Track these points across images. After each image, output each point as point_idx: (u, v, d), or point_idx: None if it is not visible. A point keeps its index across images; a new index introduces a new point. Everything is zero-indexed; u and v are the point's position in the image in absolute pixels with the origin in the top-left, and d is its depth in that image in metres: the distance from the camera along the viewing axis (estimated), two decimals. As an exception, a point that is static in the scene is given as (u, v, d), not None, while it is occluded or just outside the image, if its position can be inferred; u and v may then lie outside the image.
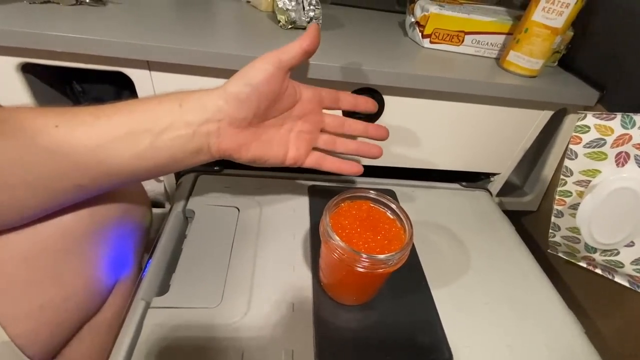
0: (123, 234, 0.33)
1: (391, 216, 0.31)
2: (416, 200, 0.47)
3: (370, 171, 0.50)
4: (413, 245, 0.39)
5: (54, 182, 0.24)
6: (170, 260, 0.36)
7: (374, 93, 0.42)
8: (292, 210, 0.42)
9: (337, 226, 0.29)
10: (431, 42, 0.46)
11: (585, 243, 0.39)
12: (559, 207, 0.40)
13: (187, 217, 0.41)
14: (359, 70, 0.38)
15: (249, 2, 0.53)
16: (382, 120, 0.44)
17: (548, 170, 0.54)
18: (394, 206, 0.31)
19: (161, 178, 0.51)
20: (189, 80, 0.39)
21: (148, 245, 0.38)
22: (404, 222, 0.30)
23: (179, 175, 0.49)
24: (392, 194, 0.47)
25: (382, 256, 0.26)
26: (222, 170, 0.47)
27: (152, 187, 0.52)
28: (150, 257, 0.35)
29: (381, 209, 0.31)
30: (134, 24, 0.39)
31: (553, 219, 0.41)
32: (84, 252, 0.29)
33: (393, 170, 0.51)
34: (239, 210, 0.40)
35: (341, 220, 0.30)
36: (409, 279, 0.36)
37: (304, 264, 0.36)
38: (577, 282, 0.49)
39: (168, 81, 0.39)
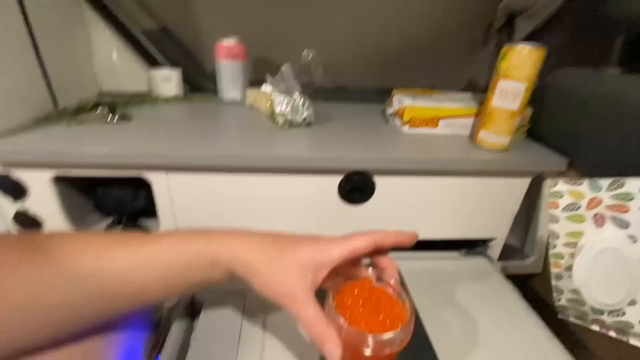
0: (133, 330, 0.34)
1: (393, 294, 0.32)
2: (418, 272, 0.48)
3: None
4: (421, 322, 0.39)
5: (77, 309, 0.24)
6: (179, 356, 0.35)
7: (365, 176, 0.46)
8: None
9: (340, 306, 0.30)
10: (410, 128, 0.52)
11: (591, 305, 0.39)
12: (556, 270, 0.41)
13: (194, 308, 0.42)
14: (350, 157, 0.43)
15: (252, 107, 0.61)
16: (375, 199, 0.48)
17: (542, 232, 0.56)
18: (394, 282, 0.32)
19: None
20: (200, 179, 0.44)
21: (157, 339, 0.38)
22: (405, 299, 0.31)
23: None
24: (394, 268, 0.48)
25: (385, 336, 0.27)
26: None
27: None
28: (158, 354, 0.35)
29: (382, 287, 0.33)
30: (154, 136, 0.46)
31: (554, 282, 0.42)
32: (96, 349, 0.29)
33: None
34: (245, 296, 0.41)
35: (344, 300, 0.31)
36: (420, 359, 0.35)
37: (312, 349, 0.36)
38: (602, 347, 0.47)
39: (182, 181, 0.44)
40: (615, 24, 0.42)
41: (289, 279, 0.27)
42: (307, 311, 0.26)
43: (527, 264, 0.59)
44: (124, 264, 0.25)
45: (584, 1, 0.48)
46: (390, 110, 0.56)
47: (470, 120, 0.52)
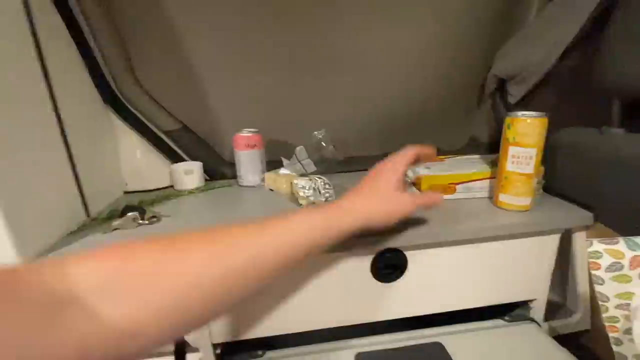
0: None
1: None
2: (467, 347, 0.46)
3: (412, 323, 0.50)
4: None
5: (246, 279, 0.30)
6: None
7: (397, 252, 0.46)
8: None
9: None
10: None
11: (662, 371, 0.36)
12: (614, 335, 0.39)
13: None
14: (381, 237, 0.44)
15: (271, 190, 0.64)
16: (409, 274, 0.48)
17: (583, 287, 0.54)
18: None
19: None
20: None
21: None
22: None
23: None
24: (440, 347, 0.46)
25: None
26: (265, 353, 0.47)
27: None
28: None
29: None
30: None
31: (614, 347, 0.39)
32: None
33: (433, 318, 0.51)
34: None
35: None
36: None
37: None
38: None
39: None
40: (607, 88, 0.46)
41: (391, 210, 0.39)
42: (412, 202, 0.41)
43: (574, 322, 0.56)
44: (272, 238, 0.32)
45: (573, 67, 0.53)
46: (407, 180, 0.58)
47: (485, 183, 0.54)
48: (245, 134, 0.64)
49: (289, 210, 0.35)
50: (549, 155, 0.48)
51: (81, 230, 0.50)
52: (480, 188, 0.55)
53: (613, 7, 0.45)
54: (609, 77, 0.44)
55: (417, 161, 0.43)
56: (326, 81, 0.70)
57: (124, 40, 0.60)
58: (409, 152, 0.42)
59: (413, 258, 0.47)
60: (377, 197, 0.39)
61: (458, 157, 0.62)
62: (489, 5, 0.63)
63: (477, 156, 0.61)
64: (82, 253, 0.25)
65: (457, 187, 0.54)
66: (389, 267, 0.47)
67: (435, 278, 0.49)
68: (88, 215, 0.54)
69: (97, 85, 0.61)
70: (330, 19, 0.63)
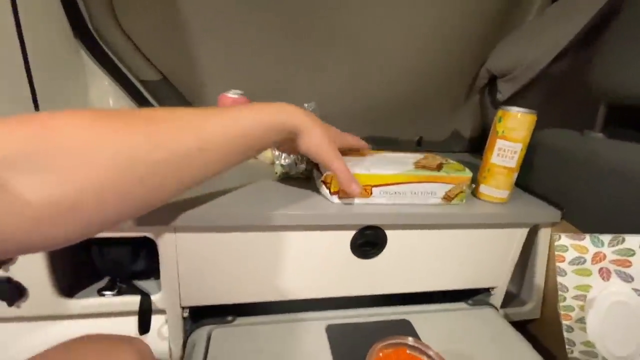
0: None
1: (429, 361, 0.32)
2: (432, 326, 0.48)
3: (379, 300, 0.52)
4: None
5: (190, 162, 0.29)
6: None
7: (378, 230, 0.47)
8: (315, 357, 0.41)
9: None
10: (339, 198, 0.44)
11: (603, 357, 0.40)
12: (567, 322, 0.42)
13: None
14: (365, 214, 0.44)
15: (256, 158, 0.61)
16: (386, 252, 0.48)
17: (539, 279, 0.58)
18: (431, 353, 0.31)
19: (166, 335, 0.48)
20: (208, 237, 0.42)
21: None
22: None
23: (187, 330, 0.47)
24: (408, 324, 0.48)
25: None
26: (235, 319, 0.46)
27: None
28: None
29: (418, 355, 0.32)
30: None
31: (565, 334, 0.43)
32: None
33: (401, 297, 0.52)
34: None
35: None
36: None
37: None
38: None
39: (189, 241, 0.42)
40: (595, 92, 0.48)
41: (328, 141, 0.39)
42: (339, 162, 0.39)
43: (526, 310, 0.60)
44: (220, 128, 0.31)
45: (564, 70, 0.55)
46: (317, 178, 0.48)
47: (414, 188, 0.45)
48: (232, 95, 0.60)
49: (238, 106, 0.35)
50: (528, 152, 0.50)
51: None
52: (402, 194, 0.45)
53: (611, 14, 0.46)
54: (599, 81, 0.46)
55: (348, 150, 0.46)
56: (320, 54, 0.67)
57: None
58: (353, 139, 0.45)
59: (392, 237, 0.47)
60: (324, 132, 0.39)
61: (397, 152, 0.52)
62: (491, 1, 0.63)
63: (420, 154, 0.52)
64: None
65: (374, 190, 0.44)
66: (369, 244, 0.47)
67: (411, 258, 0.50)
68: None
69: (67, 13, 0.54)
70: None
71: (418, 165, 0.47)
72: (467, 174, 0.47)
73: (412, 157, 0.50)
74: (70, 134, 0.23)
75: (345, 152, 0.46)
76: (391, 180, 0.44)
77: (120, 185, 0.25)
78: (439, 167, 0.47)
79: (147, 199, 0.28)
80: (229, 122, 0.32)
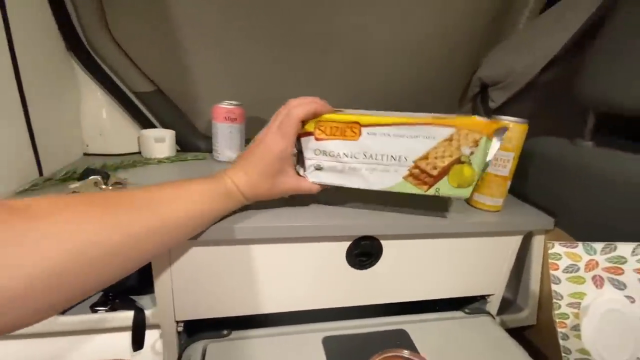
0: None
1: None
2: (429, 336, 0.48)
3: (376, 310, 0.51)
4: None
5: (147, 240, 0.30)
6: None
7: (374, 240, 0.47)
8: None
9: None
10: (317, 141, 0.40)
11: (600, 365, 0.40)
12: (562, 330, 0.43)
13: None
14: (360, 225, 0.44)
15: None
16: (382, 262, 0.48)
17: (534, 286, 0.58)
18: None
19: (160, 350, 0.48)
20: (202, 250, 0.42)
21: None
22: None
23: (181, 344, 0.46)
24: (404, 334, 0.47)
25: None
26: (231, 333, 0.46)
27: (150, 362, 0.47)
28: None
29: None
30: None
31: (561, 342, 0.43)
32: None
33: (397, 306, 0.52)
34: None
35: None
36: None
37: None
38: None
39: (183, 253, 0.41)
40: (582, 101, 0.48)
41: (269, 187, 0.39)
42: (301, 183, 0.41)
43: (523, 317, 0.60)
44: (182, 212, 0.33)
45: (553, 79, 0.56)
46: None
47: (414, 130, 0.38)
48: (226, 105, 0.60)
49: (184, 180, 0.36)
50: (520, 161, 0.51)
51: (32, 190, 0.44)
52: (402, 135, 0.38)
53: (598, 25, 0.48)
54: (587, 91, 0.47)
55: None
56: (315, 61, 0.67)
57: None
58: (297, 114, 0.37)
59: (388, 247, 0.47)
60: (264, 172, 0.38)
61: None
62: (482, 10, 0.64)
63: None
64: None
65: (363, 130, 0.38)
66: (364, 254, 0.47)
67: (407, 268, 0.50)
68: (41, 174, 0.48)
69: (60, 27, 0.54)
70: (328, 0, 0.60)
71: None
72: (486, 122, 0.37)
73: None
74: (20, 225, 0.23)
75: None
76: (384, 122, 0.38)
77: (72, 273, 0.25)
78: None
79: (104, 281, 0.28)
80: (189, 199, 0.34)
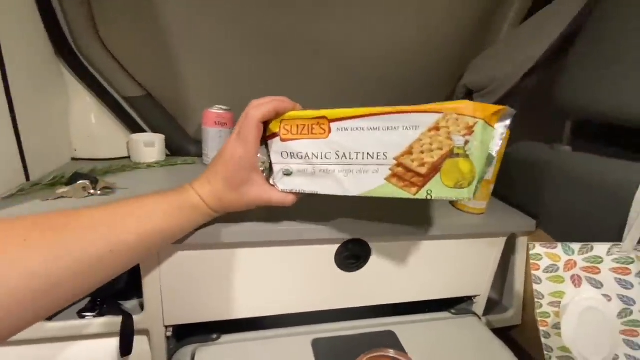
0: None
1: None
2: (416, 337, 0.49)
3: (367, 311, 0.52)
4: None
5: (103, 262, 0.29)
6: None
7: (363, 243, 0.47)
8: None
9: None
10: (283, 142, 0.37)
11: (580, 362, 0.42)
12: (544, 328, 0.44)
13: None
14: (349, 228, 0.45)
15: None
16: (370, 265, 0.49)
17: (518, 286, 0.60)
18: None
19: (149, 355, 0.47)
20: (191, 255, 0.42)
21: None
22: None
23: (170, 349, 0.46)
24: (392, 335, 0.48)
25: None
26: (220, 337, 0.46)
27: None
28: None
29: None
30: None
31: (543, 340, 0.44)
32: None
33: (386, 307, 0.53)
34: None
35: None
36: None
37: None
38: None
39: (172, 257, 0.42)
40: (560, 108, 0.50)
41: (245, 196, 0.36)
42: (271, 194, 0.37)
43: (508, 317, 0.62)
44: (133, 228, 0.31)
45: (534, 86, 0.58)
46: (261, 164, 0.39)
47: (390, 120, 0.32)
48: (216, 110, 0.61)
49: (144, 196, 0.34)
50: (502, 164, 0.53)
51: (18, 195, 0.44)
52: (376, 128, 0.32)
53: (576, 35, 0.50)
54: (565, 98, 0.49)
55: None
56: (304, 66, 0.68)
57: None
58: (255, 115, 0.34)
59: (376, 249, 0.48)
60: (226, 181, 0.35)
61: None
62: (466, 18, 0.66)
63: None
64: None
65: (333, 125, 0.34)
66: (353, 257, 0.48)
67: (395, 270, 0.51)
68: (28, 179, 0.48)
69: (49, 32, 0.54)
70: (318, 6, 0.61)
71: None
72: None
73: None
74: None
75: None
76: (354, 114, 0.33)
77: (18, 302, 0.24)
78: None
79: (53, 307, 0.27)
80: (142, 219, 0.32)
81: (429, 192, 0.31)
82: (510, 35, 0.66)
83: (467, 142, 0.30)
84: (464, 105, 0.29)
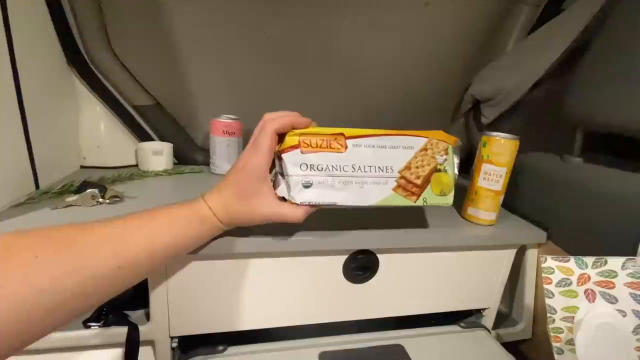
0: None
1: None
2: (425, 350, 0.48)
3: (375, 323, 0.51)
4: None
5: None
6: None
7: (370, 254, 0.47)
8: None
9: None
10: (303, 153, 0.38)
11: (594, 379, 0.40)
12: (557, 344, 0.43)
13: None
14: (357, 238, 0.44)
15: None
16: (378, 276, 0.48)
17: (528, 299, 0.59)
18: None
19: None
20: (199, 265, 0.42)
21: None
22: None
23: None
24: (401, 349, 0.47)
25: None
26: (226, 349, 0.45)
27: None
28: None
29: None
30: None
31: (556, 356, 0.43)
32: None
33: (394, 319, 0.52)
34: None
35: None
36: None
37: None
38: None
39: (180, 267, 0.41)
40: (570, 119, 0.50)
41: (256, 211, 0.36)
42: (284, 209, 0.36)
43: (518, 331, 0.61)
44: (142, 244, 0.31)
45: (543, 96, 0.58)
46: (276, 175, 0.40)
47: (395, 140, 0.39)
48: (224, 119, 0.61)
49: (153, 209, 0.34)
50: (512, 175, 0.52)
51: (28, 203, 0.44)
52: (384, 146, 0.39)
53: (586, 46, 0.50)
54: (575, 108, 0.49)
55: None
56: (312, 76, 0.69)
57: None
58: (271, 127, 0.35)
59: (384, 261, 0.48)
60: (237, 191, 0.35)
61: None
62: (473, 30, 0.67)
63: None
64: None
65: (349, 142, 0.38)
66: (361, 268, 0.47)
67: (403, 282, 0.50)
68: (37, 186, 0.48)
69: (61, 42, 0.55)
70: (325, 17, 0.62)
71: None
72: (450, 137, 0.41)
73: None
74: None
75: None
76: (366, 133, 0.39)
77: (27, 318, 0.24)
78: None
79: (61, 322, 0.27)
80: (152, 234, 0.31)
81: (425, 199, 0.40)
82: (518, 47, 0.67)
83: (445, 160, 0.40)
84: (439, 133, 0.41)
